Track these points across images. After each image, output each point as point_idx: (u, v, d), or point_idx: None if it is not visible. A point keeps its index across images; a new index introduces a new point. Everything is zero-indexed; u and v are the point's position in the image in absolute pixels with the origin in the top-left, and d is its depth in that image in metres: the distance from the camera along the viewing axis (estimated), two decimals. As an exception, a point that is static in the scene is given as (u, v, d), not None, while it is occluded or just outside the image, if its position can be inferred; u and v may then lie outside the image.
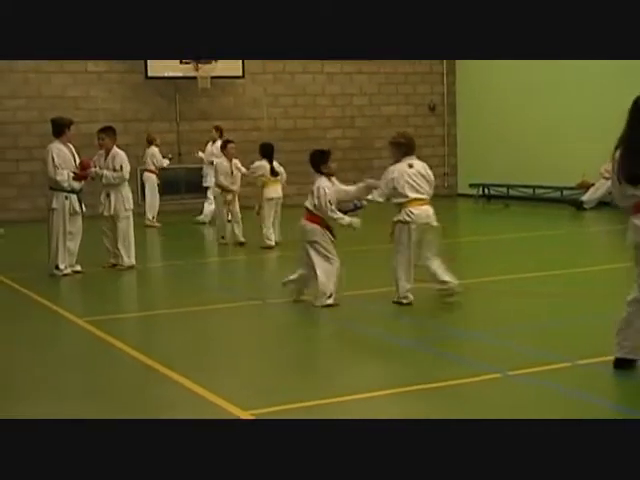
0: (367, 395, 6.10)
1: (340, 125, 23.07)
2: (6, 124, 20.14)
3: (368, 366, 7.00)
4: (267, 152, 14.23)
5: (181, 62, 20.41)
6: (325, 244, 9.13)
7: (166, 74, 20.65)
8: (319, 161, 9.26)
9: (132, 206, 12.30)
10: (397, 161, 9.10)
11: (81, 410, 5.87)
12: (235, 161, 14.91)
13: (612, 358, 6.60)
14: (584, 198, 19.34)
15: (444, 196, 23.68)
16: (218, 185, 14.86)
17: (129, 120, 20.67)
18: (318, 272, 9.05)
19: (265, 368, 7.03)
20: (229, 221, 14.81)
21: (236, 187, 14.81)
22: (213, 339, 8.23)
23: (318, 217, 9.12)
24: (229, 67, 20.87)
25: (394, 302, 9.05)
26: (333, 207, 9.07)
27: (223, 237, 14.82)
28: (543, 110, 21.25)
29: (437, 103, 24.22)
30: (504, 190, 22.03)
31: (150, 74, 20.55)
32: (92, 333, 8.24)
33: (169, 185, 19.52)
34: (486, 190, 22.46)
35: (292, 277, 9.41)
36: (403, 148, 9.13)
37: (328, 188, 9.11)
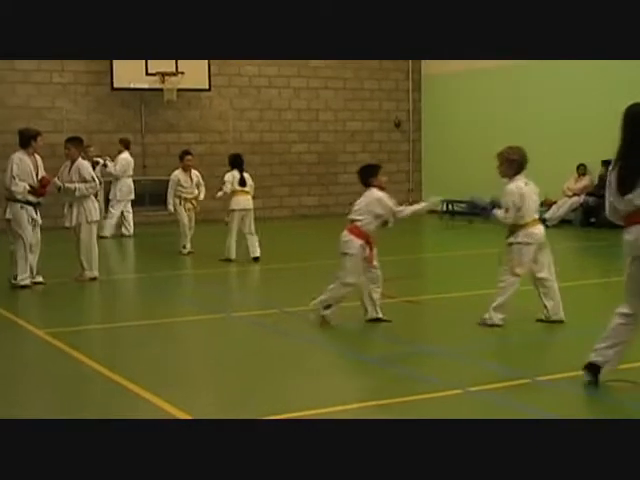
0: (326, 410, 6.09)
1: (305, 140, 23.12)
2: (-31, 133, 19.97)
3: (329, 382, 6.99)
4: (236, 162, 14.22)
5: (147, 74, 20.35)
6: (354, 261, 8.82)
7: (132, 85, 20.58)
8: (369, 174, 9.08)
9: (96, 218, 12.19)
10: (509, 178, 8.82)
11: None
12: (195, 172, 15.01)
13: (572, 374, 6.69)
14: (547, 215, 19.46)
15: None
16: (173, 197, 14.98)
17: (94, 131, 20.57)
18: (332, 284, 8.92)
19: (228, 382, 7.00)
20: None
21: (192, 195, 14.92)
22: (176, 352, 8.18)
23: (360, 230, 8.86)
24: (195, 80, 20.84)
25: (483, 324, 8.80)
26: (399, 208, 8.97)
27: (185, 247, 14.87)
28: (507, 128, 21.40)
29: (402, 119, 24.34)
30: (468, 207, 22.12)
31: (116, 85, 20.46)
32: (53, 345, 8.17)
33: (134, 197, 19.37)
34: (450, 206, 22.59)
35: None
36: (515, 165, 8.82)
37: (385, 195, 8.95)
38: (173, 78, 20.53)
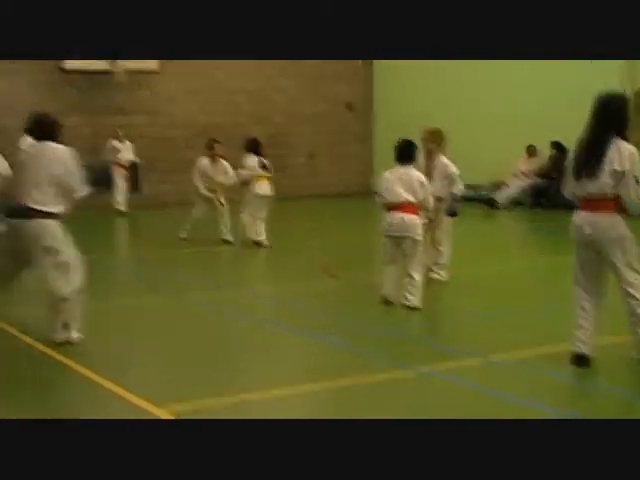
0: (279, 392, 6.11)
1: (257, 122, 23.02)
2: None
3: (280, 362, 7.01)
4: (255, 146, 13.68)
5: (96, 55, 20.13)
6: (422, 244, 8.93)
7: (81, 67, 20.33)
8: (411, 150, 9.18)
9: None
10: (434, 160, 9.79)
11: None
12: (222, 161, 14.19)
13: (524, 352, 6.80)
14: (497, 197, 19.68)
15: (361, 193, 23.82)
16: (199, 181, 14.14)
17: (42, 114, 20.29)
18: (415, 272, 8.77)
19: (183, 364, 6.98)
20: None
21: (219, 184, 14.12)
22: (130, 336, 8.12)
23: (418, 210, 8.88)
24: (145, 62, 20.63)
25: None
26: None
27: (185, 231, 14.10)
28: (458, 109, 21.51)
29: (355, 101, 24.35)
30: (419, 188, 22.24)
31: (65, 67, 20.22)
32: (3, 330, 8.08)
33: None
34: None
35: (388, 283, 8.99)
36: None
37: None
38: (123, 60, 20.32)
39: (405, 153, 9.08)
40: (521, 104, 19.88)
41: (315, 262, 11.79)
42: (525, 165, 19.80)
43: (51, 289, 7.30)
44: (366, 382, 6.32)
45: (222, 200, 14.14)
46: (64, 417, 5.42)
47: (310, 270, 11.18)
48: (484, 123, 20.72)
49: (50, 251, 7.21)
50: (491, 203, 19.49)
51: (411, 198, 8.81)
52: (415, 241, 8.79)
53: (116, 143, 19.05)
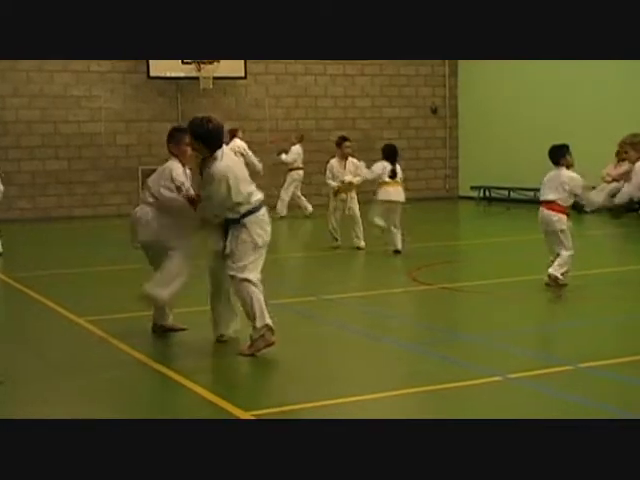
0: (364, 398, 6.07)
1: (342, 127, 23.05)
2: (8, 123, 20.16)
3: (366, 369, 6.97)
4: (390, 153, 13.57)
5: (183, 62, 20.40)
6: (568, 233, 9.91)
7: (168, 74, 20.65)
8: (558, 154, 9.94)
9: None
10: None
11: (75, 411, 5.86)
12: (352, 160, 14.19)
13: (616, 362, 6.63)
14: (586, 201, 19.31)
15: (445, 198, 23.68)
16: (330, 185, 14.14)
17: (131, 120, 20.67)
18: (564, 252, 9.80)
19: (271, 370, 7.00)
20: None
21: (349, 183, 14.06)
22: (213, 341, 8.18)
23: (562, 207, 9.82)
24: (231, 68, 20.87)
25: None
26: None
27: (337, 239, 14.07)
28: (544, 113, 21.25)
29: (439, 105, 24.22)
30: (505, 193, 22.04)
31: (152, 74, 20.56)
32: (91, 332, 8.22)
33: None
34: (487, 193, 22.46)
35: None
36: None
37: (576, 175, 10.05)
38: (209, 66, 20.58)
39: (551, 156, 10.04)
40: (611, 107, 19.53)
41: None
42: (614, 170, 19.40)
43: None
44: (453, 388, 6.25)
45: (352, 204, 14.06)
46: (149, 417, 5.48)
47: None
48: (573, 127, 20.39)
49: None
50: (579, 208, 19.15)
51: (550, 197, 9.95)
52: (561, 232, 9.83)
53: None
